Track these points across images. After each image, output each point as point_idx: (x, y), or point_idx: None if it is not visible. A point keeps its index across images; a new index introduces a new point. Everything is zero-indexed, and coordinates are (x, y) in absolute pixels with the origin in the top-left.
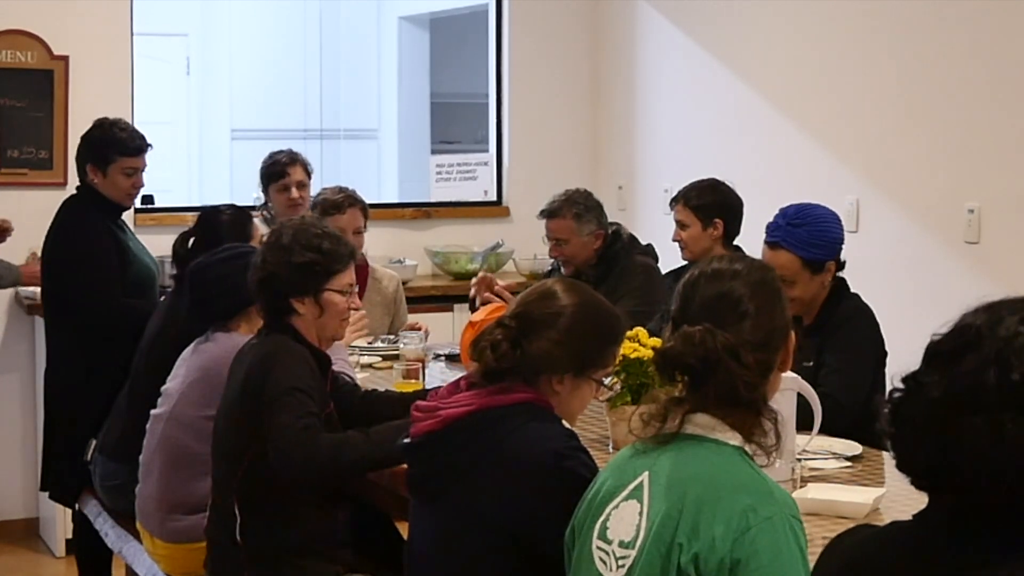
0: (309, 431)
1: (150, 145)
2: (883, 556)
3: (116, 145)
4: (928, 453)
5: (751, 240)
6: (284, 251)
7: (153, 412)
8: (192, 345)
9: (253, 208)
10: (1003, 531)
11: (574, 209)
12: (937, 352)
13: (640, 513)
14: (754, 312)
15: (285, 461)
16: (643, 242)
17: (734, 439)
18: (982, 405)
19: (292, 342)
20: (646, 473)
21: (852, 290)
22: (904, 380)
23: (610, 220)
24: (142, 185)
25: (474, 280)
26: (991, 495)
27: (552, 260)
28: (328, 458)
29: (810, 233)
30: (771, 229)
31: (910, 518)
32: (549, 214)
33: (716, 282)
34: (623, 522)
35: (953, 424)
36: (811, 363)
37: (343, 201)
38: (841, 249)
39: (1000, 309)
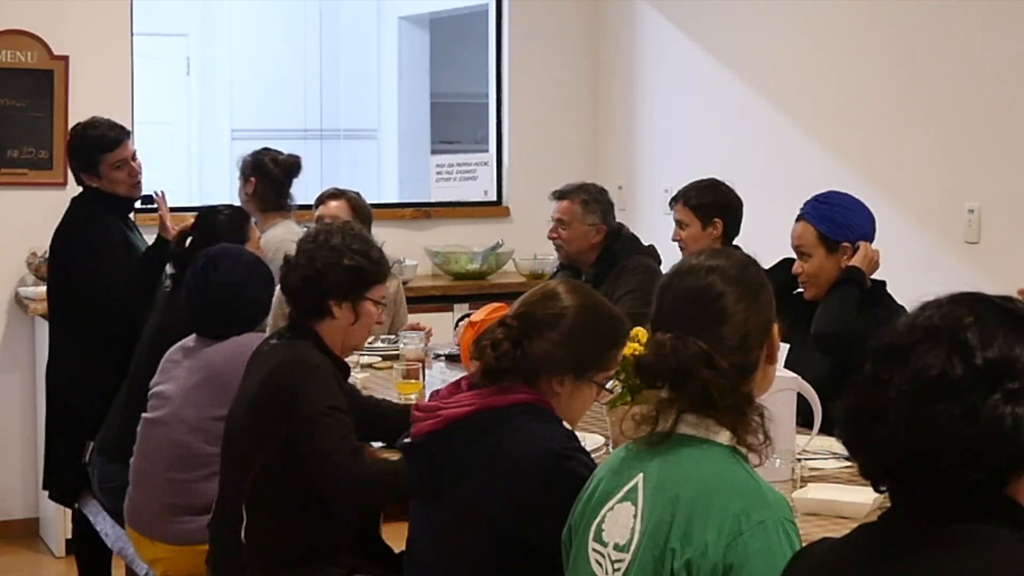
0: (357, 455)
1: (129, 132)
2: (851, 560)
3: (94, 147)
4: (903, 445)
5: (751, 240)
6: (335, 252)
7: (146, 416)
8: (180, 345)
9: None
10: (969, 514)
11: (582, 195)
12: (894, 348)
13: (634, 516)
14: (731, 311)
15: (337, 488)
16: (644, 243)
17: (725, 438)
18: (953, 391)
19: (317, 352)
20: (640, 475)
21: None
22: (861, 382)
23: None
24: (140, 171)
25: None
26: (969, 477)
27: (556, 262)
28: (379, 490)
29: (831, 209)
30: (802, 206)
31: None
32: (559, 195)
33: (691, 278)
34: (618, 524)
35: (927, 412)
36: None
37: (334, 192)
38: (861, 238)
39: (944, 303)
